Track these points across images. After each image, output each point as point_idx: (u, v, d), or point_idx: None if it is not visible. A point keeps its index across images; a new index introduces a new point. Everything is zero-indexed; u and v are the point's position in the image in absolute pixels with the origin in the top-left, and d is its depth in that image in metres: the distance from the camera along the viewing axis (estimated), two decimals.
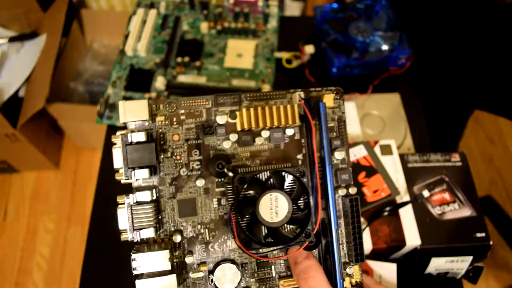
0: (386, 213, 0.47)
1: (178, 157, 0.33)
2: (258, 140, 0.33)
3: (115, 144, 0.31)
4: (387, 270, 0.46)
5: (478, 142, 1.28)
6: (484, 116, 1.32)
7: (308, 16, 0.73)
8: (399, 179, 0.49)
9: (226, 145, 0.33)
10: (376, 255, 0.47)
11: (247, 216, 0.32)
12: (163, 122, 0.33)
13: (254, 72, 0.60)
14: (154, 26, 0.64)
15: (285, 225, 0.32)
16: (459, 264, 0.47)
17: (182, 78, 0.59)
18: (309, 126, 0.33)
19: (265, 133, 0.33)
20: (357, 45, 0.61)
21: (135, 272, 0.30)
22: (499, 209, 1.12)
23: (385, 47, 0.60)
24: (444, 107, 0.80)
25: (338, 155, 0.34)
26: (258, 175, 0.32)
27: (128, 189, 0.32)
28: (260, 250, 0.33)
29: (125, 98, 0.58)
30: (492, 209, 1.12)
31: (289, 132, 0.34)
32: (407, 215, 0.47)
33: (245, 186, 0.31)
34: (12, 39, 1.06)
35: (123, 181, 0.31)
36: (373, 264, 0.46)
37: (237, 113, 0.33)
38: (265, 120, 0.32)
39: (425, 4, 0.75)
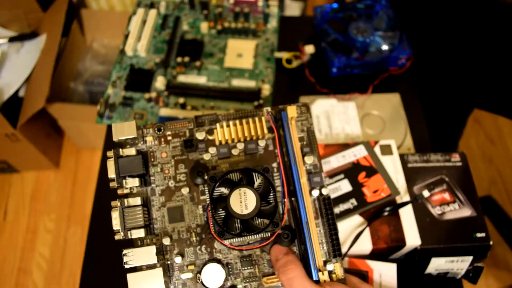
0: (386, 213, 0.47)
1: (166, 171, 0.38)
2: (234, 152, 0.38)
3: (110, 158, 0.36)
4: (387, 270, 0.46)
5: (478, 142, 1.28)
6: (484, 116, 1.32)
7: (308, 16, 0.73)
8: (399, 179, 0.49)
9: (207, 157, 0.38)
10: (376, 255, 0.47)
11: (221, 211, 0.36)
12: (153, 142, 0.39)
13: (254, 72, 0.60)
14: (154, 26, 0.64)
15: (256, 218, 0.36)
16: (459, 264, 0.47)
17: (182, 78, 0.59)
18: (276, 134, 0.38)
19: (240, 145, 0.38)
20: (357, 45, 0.61)
21: (126, 266, 0.34)
22: (499, 209, 1.12)
23: (385, 47, 0.60)
24: (443, 106, 0.81)
25: (308, 159, 0.38)
26: (231, 177, 0.36)
27: (125, 196, 0.37)
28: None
29: (125, 98, 0.58)
30: (492, 209, 1.13)
31: (262, 143, 0.38)
32: (407, 215, 0.47)
33: (217, 184, 0.35)
34: (12, 39, 1.06)
35: (118, 191, 0.36)
36: (373, 264, 0.46)
37: (214, 130, 0.38)
38: (238, 134, 0.38)
39: (425, 4, 0.75)
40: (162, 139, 0.39)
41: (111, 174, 0.35)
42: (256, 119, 0.38)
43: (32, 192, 1.20)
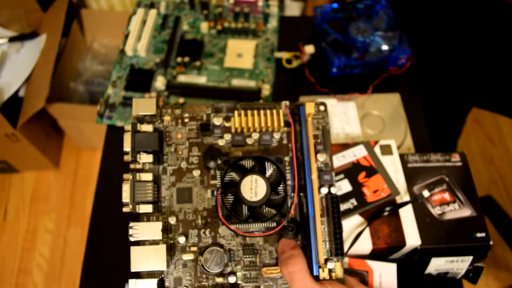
0: (386, 213, 0.47)
1: (180, 152, 0.38)
2: (249, 141, 0.39)
3: (127, 131, 0.36)
4: (387, 270, 0.46)
5: (478, 142, 1.28)
6: (484, 117, 1.32)
7: (308, 16, 0.73)
8: (399, 179, 0.49)
9: (221, 143, 0.39)
10: (376, 255, 0.47)
11: (230, 195, 0.36)
12: (170, 122, 0.39)
13: (254, 72, 0.60)
14: (154, 26, 0.64)
15: (264, 207, 0.36)
16: (459, 264, 0.47)
17: (182, 78, 0.59)
18: (291, 128, 0.39)
19: (255, 135, 0.39)
20: (357, 45, 0.61)
21: (131, 239, 0.34)
22: (499, 209, 1.12)
23: (385, 47, 0.60)
24: (443, 104, 0.81)
25: (320, 157, 0.38)
26: (243, 164, 0.36)
27: (137, 171, 0.36)
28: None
29: (125, 98, 0.58)
30: (492, 209, 1.12)
31: (277, 135, 0.39)
32: (407, 215, 0.47)
33: (229, 169, 0.36)
34: (12, 39, 1.06)
35: (131, 165, 0.36)
36: (373, 264, 0.46)
37: (232, 117, 0.39)
38: (254, 123, 0.38)
39: (425, 4, 0.75)
40: (179, 120, 0.39)
41: (127, 147, 0.36)
42: (274, 111, 0.38)
43: (32, 192, 1.20)
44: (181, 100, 0.57)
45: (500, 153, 1.26)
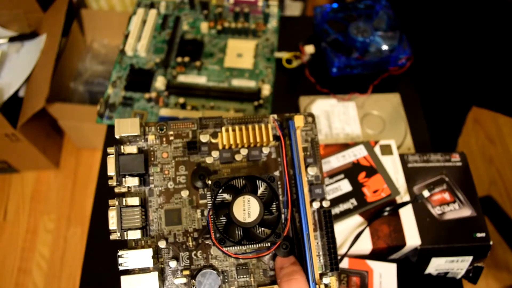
0: (386, 213, 0.47)
1: (166, 172, 0.37)
2: (237, 157, 0.37)
3: (110, 154, 0.35)
4: (387, 270, 0.46)
5: (478, 142, 1.28)
6: (484, 116, 1.32)
7: (308, 16, 0.73)
8: (399, 179, 0.49)
9: (209, 161, 0.37)
10: (376, 255, 0.47)
11: (223, 217, 0.35)
12: (154, 141, 0.38)
13: (254, 72, 0.60)
14: (154, 26, 0.64)
15: (258, 227, 0.35)
16: (459, 264, 0.47)
17: (182, 78, 0.59)
18: (281, 142, 0.38)
19: (244, 151, 0.37)
20: (357, 45, 0.61)
21: (120, 268, 0.33)
22: (499, 209, 1.12)
23: (385, 47, 0.60)
24: (443, 104, 0.81)
25: (311, 170, 0.38)
26: (234, 184, 0.35)
27: (123, 195, 0.36)
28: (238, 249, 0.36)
29: (125, 98, 0.58)
30: (492, 209, 1.12)
31: (266, 150, 0.38)
32: (407, 215, 0.47)
33: (220, 190, 0.34)
34: (12, 39, 1.06)
35: (116, 190, 0.35)
36: (373, 264, 0.46)
37: (219, 133, 0.37)
38: (242, 139, 0.37)
39: (425, 4, 0.75)
40: (164, 139, 0.38)
41: (111, 171, 0.34)
42: (262, 125, 0.37)
43: (32, 192, 1.20)
44: (181, 100, 0.57)
45: (500, 153, 1.26)
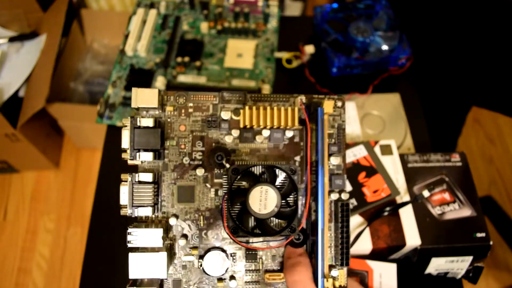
0: (386, 213, 0.47)
1: (182, 146, 0.35)
2: (259, 138, 0.35)
3: (125, 126, 0.33)
4: (387, 270, 0.46)
5: (478, 142, 1.28)
6: (484, 116, 1.32)
7: (308, 16, 0.73)
8: (399, 179, 0.49)
9: (228, 139, 0.35)
10: (376, 255, 0.47)
11: (238, 205, 0.33)
12: (172, 112, 0.35)
13: (254, 72, 0.60)
14: (154, 26, 0.64)
15: (273, 218, 0.33)
16: (459, 264, 0.47)
17: (182, 78, 0.59)
18: (306, 129, 0.36)
19: (266, 132, 0.35)
20: (357, 45, 0.61)
21: (129, 245, 0.32)
22: (499, 209, 1.12)
23: (385, 47, 0.60)
24: (443, 104, 0.81)
25: (334, 160, 0.35)
26: (253, 170, 0.34)
27: (133, 170, 0.35)
28: (250, 240, 0.35)
29: (125, 98, 0.58)
30: (492, 209, 1.12)
31: (289, 133, 0.35)
32: (407, 215, 0.47)
33: (238, 177, 0.33)
34: (12, 39, 1.06)
35: (129, 162, 0.34)
36: (373, 264, 0.46)
37: (241, 110, 0.35)
38: (266, 119, 0.34)
39: (425, 4, 0.75)
40: (183, 110, 0.35)
41: (125, 144, 0.33)
42: (289, 108, 0.35)
43: (32, 192, 1.20)
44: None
45: (500, 153, 1.26)
